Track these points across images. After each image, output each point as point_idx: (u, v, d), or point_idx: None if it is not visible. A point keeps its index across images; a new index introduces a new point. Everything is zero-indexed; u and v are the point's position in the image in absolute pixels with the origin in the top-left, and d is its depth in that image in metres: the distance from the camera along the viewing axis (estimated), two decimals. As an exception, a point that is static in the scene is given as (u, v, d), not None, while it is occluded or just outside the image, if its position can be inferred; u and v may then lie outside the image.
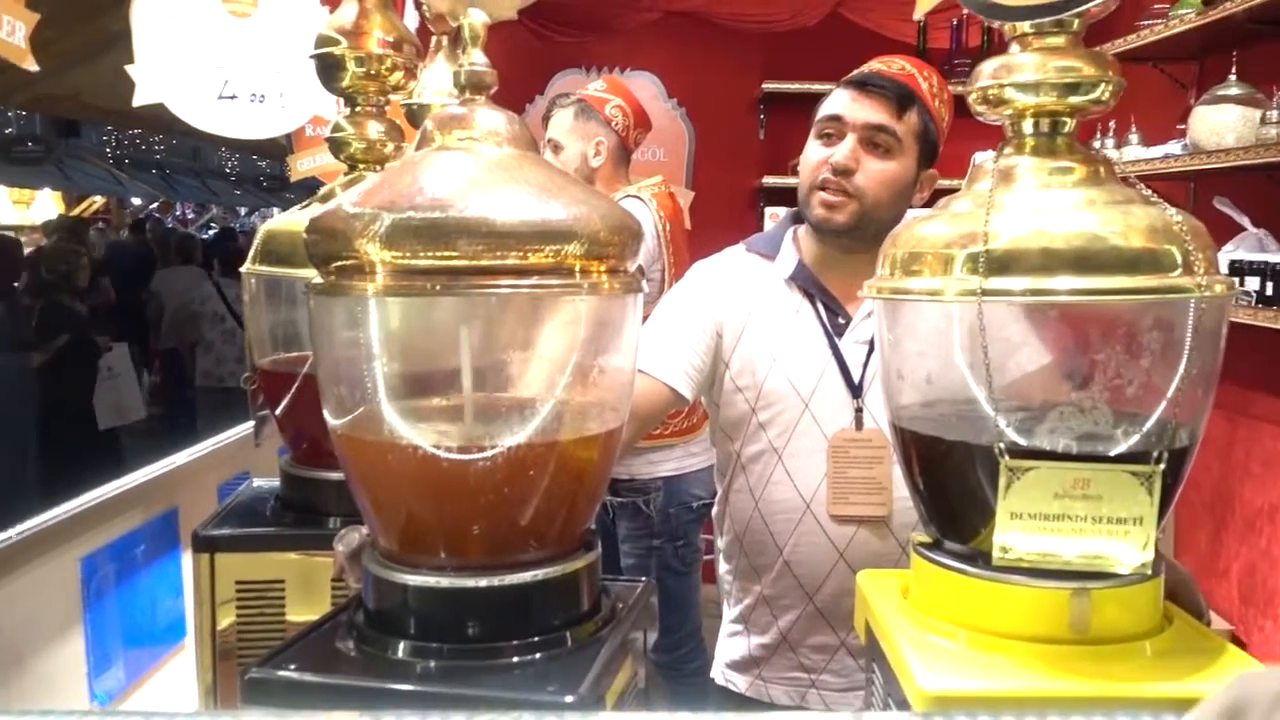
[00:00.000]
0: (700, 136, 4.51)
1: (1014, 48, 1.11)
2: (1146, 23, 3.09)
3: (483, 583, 1.05)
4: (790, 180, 4.23)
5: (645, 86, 4.36)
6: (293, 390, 1.58)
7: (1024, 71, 1.08)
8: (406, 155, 1.14)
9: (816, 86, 4.05)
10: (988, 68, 1.11)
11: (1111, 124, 3.42)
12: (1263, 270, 2.59)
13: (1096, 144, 3.44)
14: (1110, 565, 1.01)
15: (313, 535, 1.52)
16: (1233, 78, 2.81)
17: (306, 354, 1.61)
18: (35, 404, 4.77)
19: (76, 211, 12.98)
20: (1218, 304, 1.02)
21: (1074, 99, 1.08)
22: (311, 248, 1.07)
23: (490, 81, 1.12)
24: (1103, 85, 1.07)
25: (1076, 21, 1.08)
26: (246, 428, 2.15)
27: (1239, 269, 2.70)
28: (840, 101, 1.54)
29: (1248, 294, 2.65)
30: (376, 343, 1.05)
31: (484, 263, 0.98)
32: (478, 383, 1.10)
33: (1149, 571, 1.02)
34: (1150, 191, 1.07)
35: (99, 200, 14.07)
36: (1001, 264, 1.01)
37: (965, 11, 4.30)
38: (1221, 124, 2.74)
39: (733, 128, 4.50)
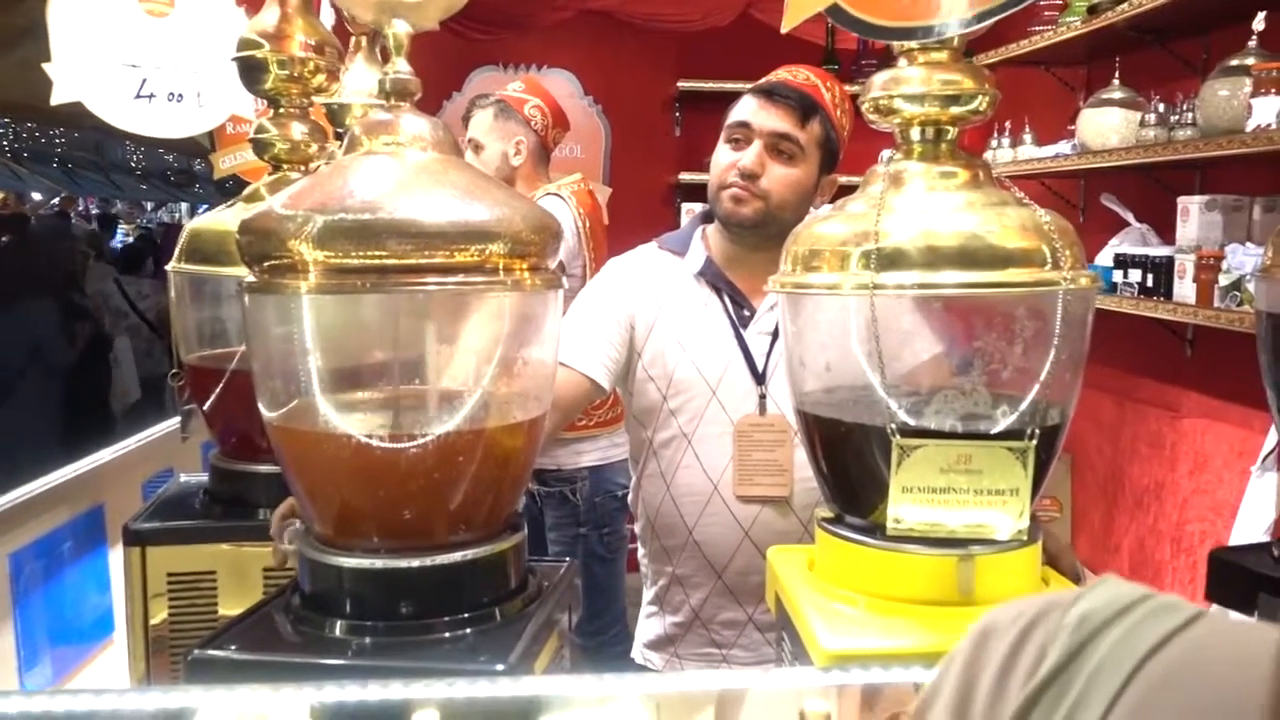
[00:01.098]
0: (616, 134, 4.59)
1: (901, 61, 1.20)
2: (1038, 29, 3.26)
3: (415, 563, 1.11)
4: (705, 176, 4.31)
5: (561, 84, 4.42)
6: (221, 385, 1.61)
7: (910, 84, 1.18)
8: (336, 159, 1.19)
9: (730, 85, 4.16)
10: (878, 80, 1.21)
11: (1007, 124, 3.59)
12: (1144, 263, 2.77)
13: (994, 143, 3.61)
14: (990, 532, 1.11)
15: (243, 527, 1.56)
16: (1116, 82, 2.99)
17: (234, 350, 1.65)
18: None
19: (-29, 207, 12.47)
20: (1083, 295, 1.13)
21: (955, 109, 1.18)
22: (245, 248, 1.12)
23: (414, 89, 1.18)
24: (980, 97, 1.17)
25: (957, 38, 1.19)
26: (170, 425, 2.16)
27: (1123, 262, 2.88)
28: (748, 109, 1.63)
29: (1130, 285, 2.83)
30: (310, 338, 1.10)
31: (412, 261, 1.04)
32: (407, 375, 1.16)
33: (1025, 538, 1.12)
34: (1022, 194, 1.18)
35: (-2, 195, 13.56)
36: (891, 260, 1.11)
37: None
38: (1106, 125, 2.92)
39: (648, 125, 4.59)
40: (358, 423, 1.11)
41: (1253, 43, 2.40)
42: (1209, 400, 2.96)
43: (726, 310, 1.65)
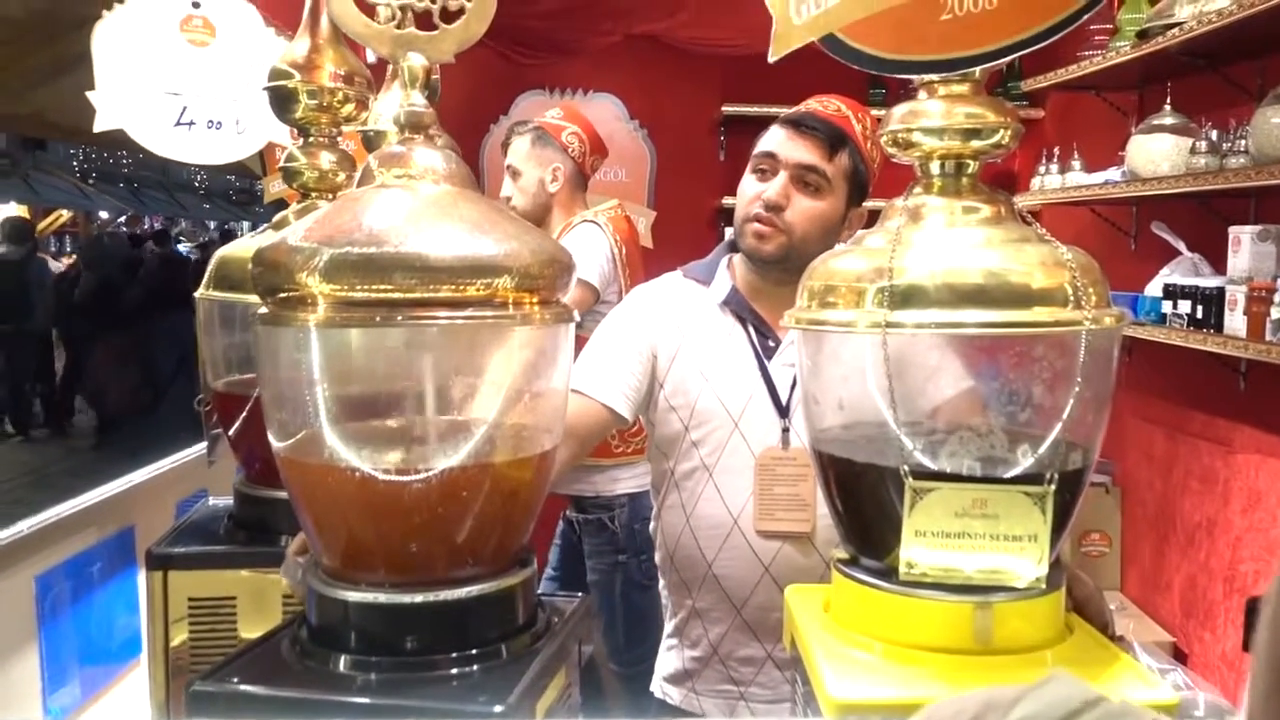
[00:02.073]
0: (661, 157, 4.58)
1: (921, 94, 1.18)
2: (1088, 53, 3.20)
3: (419, 598, 1.11)
4: (750, 201, 4.30)
5: (607, 108, 4.43)
6: (245, 412, 1.63)
7: (930, 117, 1.16)
8: (350, 191, 1.20)
9: (775, 110, 4.12)
10: (897, 112, 1.18)
11: (1056, 150, 3.52)
12: (1193, 294, 2.69)
13: (1042, 169, 3.54)
14: (1008, 579, 1.07)
15: (265, 553, 1.56)
16: (1167, 108, 2.92)
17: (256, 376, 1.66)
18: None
19: (44, 225, 12.91)
20: (1107, 334, 1.10)
21: (976, 143, 1.15)
22: (257, 279, 1.12)
23: (428, 121, 1.18)
24: (1002, 131, 1.15)
25: (977, 70, 1.16)
26: (204, 447, 2.18)
27: (1172, 292, 2.80)
28: (776, 139, 1.62)
29: (1180, 317, 2.75)
30: (318, 370, 1.10)
31: (419, 295, 1.04)
32: (414, 408, 1.16)
33: (1044, 586, 1.08)
34: (1044, 230, 1.14)
35: (65, 214, 14.00)
36: (907, 297, 1.08)
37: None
38: (1157, 152, 2.85)
39: (693, 149, 4.57)
40: (365, 455, 1.11)
41: (1307, 68, 2.33)
42: (1264, 435, 2.86)
43: (751, 341, 1.63)
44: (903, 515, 1.09)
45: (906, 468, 1.08)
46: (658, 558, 1.74)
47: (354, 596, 1.12)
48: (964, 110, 1.15)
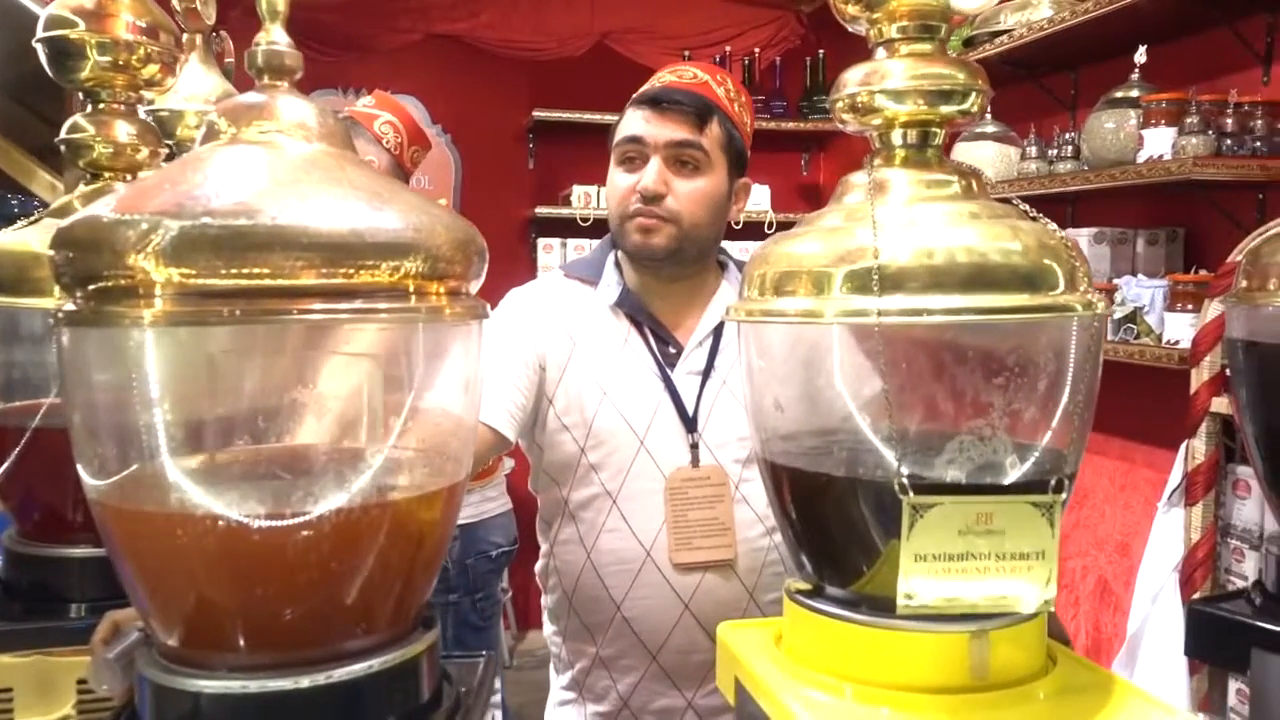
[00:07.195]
0: (467, 164, 4.34)
1: (879, 52, 1.03)
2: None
3: (303, 683, 0.84)
4: (562, 210, 4.12)
5: (408, 110, 4.14)
6: (18, 448, 1.27)
7: (893, 78, 1.01)
8: (191, 151, 0.92)
9: (586, 116, 3.99)
10: (854, 75, 1.03)
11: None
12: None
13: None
14: (1015, 604, 0.94)
15: (50, 629, 1.23)
16: (989, 116, 2.97)
17: (35, 403, 1.32)
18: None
19: None
20: (1101, 321, 0.98)
21: (945, 108, 1.01)
22: (63, 266, 0.83)
23: (294, 64, 0.93)
24: (974, 94, 1.02)
25: (943, 28, 1.03)
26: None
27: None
28: (637, 122, 1.43)
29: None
30: (156, 385, 0.82)
31: (301, 282, 0.78)
32: (289, 432, 0.89)
33: (1052, 608, 0.96)
34: (1028, 206, 1.02)
35: None
36: (892, 282, 0.92)
37: (728, 49, 4.35)
38: (981, 159, 2.89)
39: (501, 156, 4.36)
40: (225, 498, 0.83)
41: (1135, 75, 2.40)
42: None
43: (650, 347, 1.43)
44: (881, 534, 0.94)
45: (903, 480, 0.91)
46: (550, 601, 1.50)
47: (210, 686, 0.84)
48: (931, 70, 1.01)
